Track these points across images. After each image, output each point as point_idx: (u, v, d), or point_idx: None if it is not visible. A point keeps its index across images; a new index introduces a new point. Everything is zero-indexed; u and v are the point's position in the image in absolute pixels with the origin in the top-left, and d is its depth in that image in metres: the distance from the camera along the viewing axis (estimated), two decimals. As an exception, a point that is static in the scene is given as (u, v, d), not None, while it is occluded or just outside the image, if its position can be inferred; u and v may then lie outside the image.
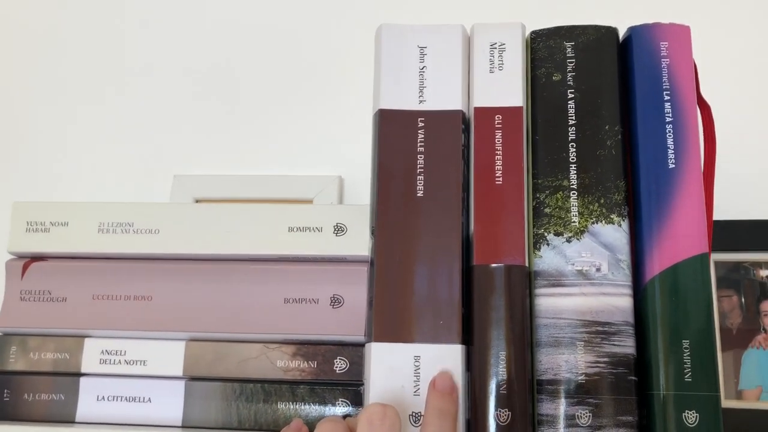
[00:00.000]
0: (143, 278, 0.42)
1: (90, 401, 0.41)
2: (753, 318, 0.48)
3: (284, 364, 0.40)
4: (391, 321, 0.38)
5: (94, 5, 0.72)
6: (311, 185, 0.60)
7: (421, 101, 0.41)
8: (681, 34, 0.41)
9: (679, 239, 0.38)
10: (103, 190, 0.64)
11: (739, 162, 0.55)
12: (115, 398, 0.41)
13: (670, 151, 0.39)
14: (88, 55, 0.70)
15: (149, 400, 0.41)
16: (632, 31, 0.41)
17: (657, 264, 0.38)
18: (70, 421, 0.41)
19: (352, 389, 0.40)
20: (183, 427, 0.40)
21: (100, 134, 0.68)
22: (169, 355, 0.41)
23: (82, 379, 0.41)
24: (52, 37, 0.71)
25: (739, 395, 0.47)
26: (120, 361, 0.41)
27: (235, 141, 0.66)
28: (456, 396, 0.36)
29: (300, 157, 0.65)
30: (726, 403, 0.46)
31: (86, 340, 0.42)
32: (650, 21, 0.41)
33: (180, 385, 0.41)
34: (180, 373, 0.41)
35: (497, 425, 0.36)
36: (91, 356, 0.42)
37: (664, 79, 0.40)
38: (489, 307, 0.38)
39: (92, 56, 0.70)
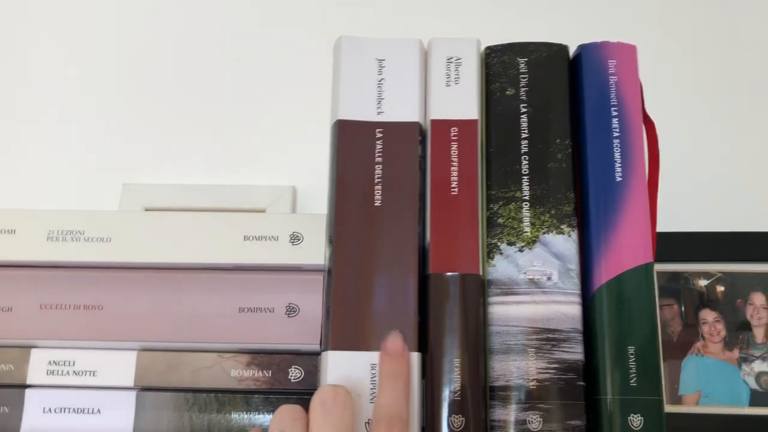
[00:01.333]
0: (93, 287, 0.41)
1: (36, 413, 0.40)
2: (692, 326, 0.50)
3: (238, 374, 0.40)
4: (348, 330, 0.38)
5: (45, 13, 0.70)
6: (264, 195, 0.60)
7: (379, 112, 0.41)
8: (628, 52, 0.43)
9: (625, 249, 0.39)
10: (50, 199, 0.63)
11: (680, 176, 0.57)
12: (63, 410, 0.40)
13: (617, 165, 0.41)
14: (37, 63, 0.68)
15: (98, 411, 0.40)
16: (582, 48, 0.43)
17: (604, 273, 0.39)
18: (15, 434, 0.39)
19: (306, 398, 0.40)
20: (134, 437, 0.39)
21: (48, 142, 0.66)
22: (119, 366, 0.40)
23: (28, 391, 0.40)
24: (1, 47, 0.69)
25: (679, 400, 0.49)
26: (68, 372, 0.40)
27: (186, 150, 0.66)
28: (407, 356, 0.37)
29: (253, 167, 0.65)
30: (667, 408, 0.48)
31: (33, 350, 0.41)
32: (599, 40, 0.43)
33: (131, 396, 0.40)
34: (131, 383, 0.40)
35: (452, 431, 0.37)
36: (37, 367, 0.40)
37: (612, 95, 0.42)
38: (444, 315, 0.38)
39: (41, 65, 0.68)
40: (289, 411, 0.35)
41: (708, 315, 0.50)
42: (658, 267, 0.51)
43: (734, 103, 0.64)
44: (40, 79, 0.68)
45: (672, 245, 0.50)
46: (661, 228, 0.50)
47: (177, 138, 0.66)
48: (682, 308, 0.50)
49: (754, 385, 0.49)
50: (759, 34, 0.68)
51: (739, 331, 0.50)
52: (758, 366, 0.49)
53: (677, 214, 0.54)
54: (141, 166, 0.64)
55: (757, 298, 0.50)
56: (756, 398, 0.48)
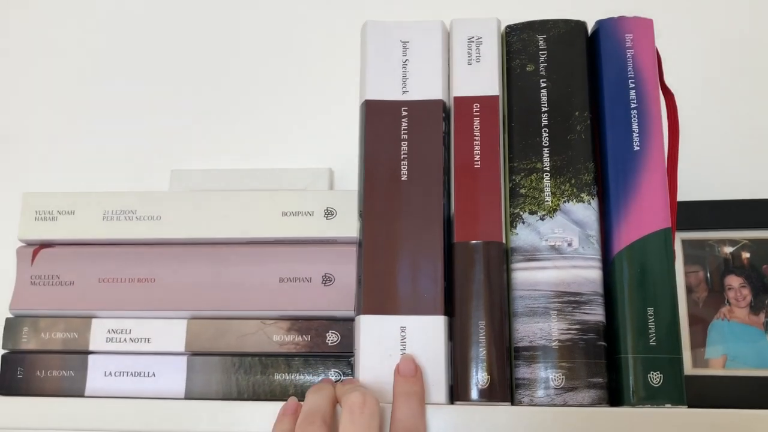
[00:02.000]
0: (146, 262, 0.45)
1: (98, 377, 0.43)
2: (718, 292, 0.51)
3: (280, 339, 0.43)
4: (378, 295, 0.41)
5: (99, 7, 0.74)
6: (302, 177, 0.63)
7: (404, 92, 0.44)
8: (644, 26, 0.44)
9: (644, 215, 0.41)
10: (105, 185, 0.67)
11: (704, 146, 0.58)
12: (122, 374, 0.43)
13: (635, 135, 0.42)
14: (90, 56, 0.73)
15: (153, 374, 0.43)
16: (600, 24, 0.44)
17: (624, 238, 0.41)
18: (80, 395, 0.43)
19: (343, 360, 0.43)
20: (186, 398, 0.43)
21: (103, 133, 0.71)
22: (171, 333, 0.44)
23: (90, 357, 0.44)
24: (51, 38, 0.73)
25: (705, 363, 0.50)
26: (125, 339, 0.44)
27: (230, 137, 0.69)
28: (420, 376, 0.39)
29: (292, 151, 0.68)
30: (694, 371, 0.50)
31: (93, 320, 0.45)
32: (616, 15, 0.44)
33: (182, 361, 0.43)
34: (182, 349, 0.43)
35: (478, 390, 0.39)
36: (98, 335, 0.44)
37: (629, 68, 0.43)
38: (469, 280, 0.41)
39: (92, 58, 0.73)
40: (316, 398, 0.37)
41: (734, 281, 0.51)
42: (684, 235, 0.52)
43: (758, 72, 0.64)
44: (94, 73, 0.72)
45: (697, 213, 0.51)
46: (686, 197, 0.51)
47: (221, 127, 0.69)
48: (708, 275, 0.51)
49: (780, 348, 0.50)
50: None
51: (764, 295, 0.50)
52: (784, 330, 0.50)
53: (702, 183, 0.55)
54: (188, 153, 0.68)
55: (783, 264, 0.51)
56: (782, 361, 0.49)
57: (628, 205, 0.41)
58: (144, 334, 0.44)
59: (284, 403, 0.38)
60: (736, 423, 0.38)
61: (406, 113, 0.43)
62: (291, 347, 0.43)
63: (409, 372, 0.38)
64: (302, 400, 0.38)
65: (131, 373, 0.43)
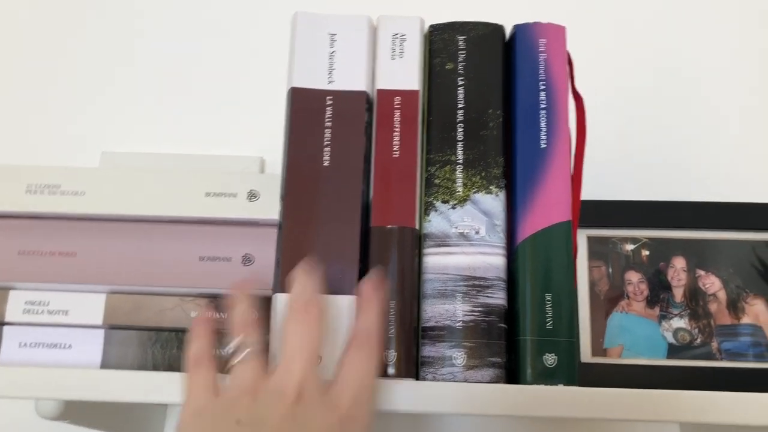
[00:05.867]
0: (68, 236, 0.45)
1: (12, 347, 0.44)
2: (618, 286, 0.54)
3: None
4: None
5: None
6: (234, 165, 0.64)
7: (330, 81, 0.46)
8: (557, 32, 0.47)
9: (547, 208, 0.44)
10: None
11: (612, 149, 0.62)
12: (37, 345, 0.44)
13: (543, 133, 0.45)
14: (25, 36, 0.72)
15: (69, 346, 0.44)
16: (516, 28, 0.47)
17: (527, 229, 0.44)
18: (-7, 364, 0.43)
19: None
20: (101, 368, 0.43)
21: (34, 114, 0.70)
22: (90, 306, 0.44)
23: (6, 328, 0.44)
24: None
25: (603, 352, 0.53)
26: (43, 311, 0.44)
27: (163, 122, 0.70)
28: (382, 293, 0.41)
29: (225, 140, 0.69)
30: (592, 359, 0.53)
31: (11, 292, 0.45)
32: (532, 21, 0.47)
33: (100, 333, 0.44)
34: (100, 322, 0.44)
35: (386, 365, 0.41)
36: (14, 307, 0.44)
37: (541, 71, 0.46)
38: (383, 263, 0.43)
39: (31, 38, 0.72)
40: (244, 317, 0.40)
41: (633, 276, 0.54)
42: (590, 232, 0.55)
43: (665, 80, 0.69)
44: (27, 53, 0.71)
45: (602, 212, 0.55)
46: (592, 196, 0.54)
47: (154, 111, 0.70)
48: (610, 270, 0.55)
49: (671, 339, 0.53)
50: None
51: (660, 291, 0.54)
52: (676, 323, 0.54)
53: (608, 184, 0.59)
54: (119, 136, 0.69)
55: (678, 262, 0.55)
56: (672, 351, 0.53)
57: (533, 198, 0.44)
58: (62, 307, 0.44)
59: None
60: (623, 402, 0.41)
61: (331, 102, 0.45)
62: (208, 323, 0.44)
63: (375, 283, 0.41)
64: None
65: (47, 345, 0.44)
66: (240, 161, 0.64)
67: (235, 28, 0.72)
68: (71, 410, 0.46)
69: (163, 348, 0.44)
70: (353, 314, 0.41)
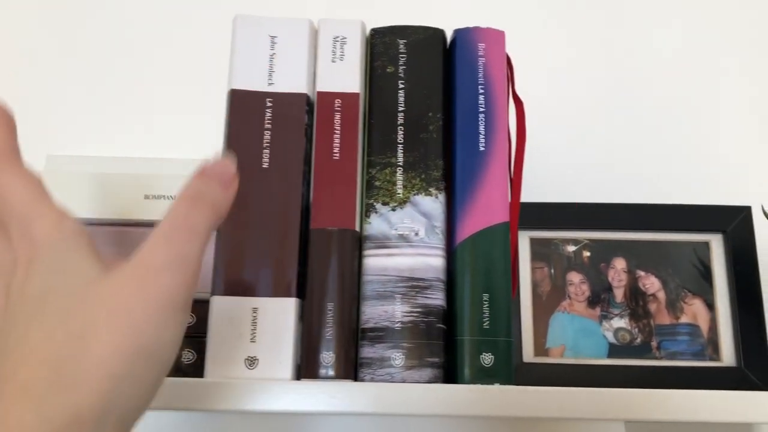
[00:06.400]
0: (2, 239, 0.45)
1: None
2: (560, 286, 0.55)
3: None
4: (232, 278, 0.42)
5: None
6: (175, 167, 0.63)
7: (270, 83, 0.46)
8: (497, 37, 0.48)
9: (485, 210, 0.44)
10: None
11: (553, 152, 0.63)
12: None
13: (481, 136, 0.46)
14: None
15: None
16: (457, 33, 0.48)
17: (466, 230, 0.44)
18: None
19: (197, 340, 0.44)
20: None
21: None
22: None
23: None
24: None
25: (546, 352, 0.54)
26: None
27: (108, 125, 0.69)
28: (231, 191, 0.34)
29: (171, 142, 0.68)
30: (534, 359, 0.54)
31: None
32: (472, 25, 0.48)
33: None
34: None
35: (324, 367, 0.41)
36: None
37: (480, 75, 0.47)
38: (323, 265, 0.43)
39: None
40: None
41: (574, 277, 0.55)
42: (532, 234, 0.56)
43: (613, 83, 0.71)
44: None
45: (544, 214, 0.56)
46: (535, 198, 0.55)
47: (101, 114, 0.69)
48: (552, 271, 0.56)
49: (612, 339, 0.54)
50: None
51: (601, 291, 0.55)
52: (616, 323, 0.55)
53: (550, 187, 0.60)
54: (65, 138, 0.68)
55: (618, 263, 0.56)
56: (613, 351, 0.54)
57: (472, 199, 0.44)
58: None
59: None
60: (560, 399, 0.41)
61: (271, 104, 0.45)
62: (146, 327, 0.44)
63: (216, 175, 0.33)
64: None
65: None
66: (185, 164, 0.63)
67: (177, 31, 0.71)
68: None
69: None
70: (295, 316, 0.41)
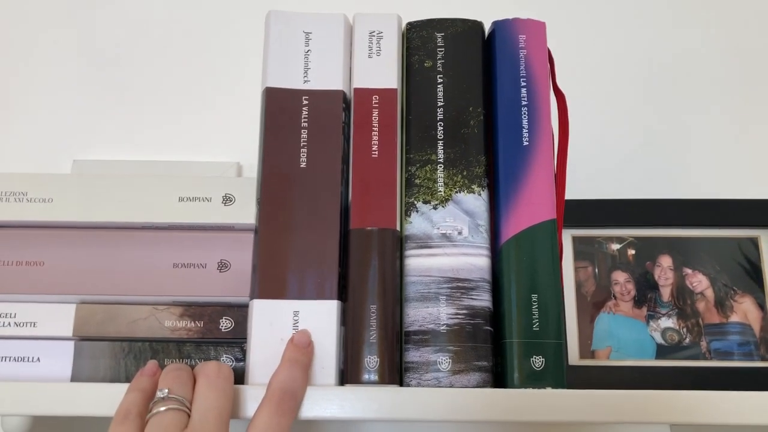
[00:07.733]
0: (35, 245, 0.44)
1: (-23, 362, 0.42)
2: (605, 286, 0.53)
3: (172, 324, 0.43)
4: (272, 280, 0.41)
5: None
6: (210, 171, 0.62)
7: (305, 81, 0.44)
8: (537, 28, 0.46)
9: (531, 207, 0.43)
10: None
11: (598, 149, 0.61)
12: (4, 358, 0.42)
13: (525, 131, 0.44)
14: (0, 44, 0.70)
15: (38, 359, 0.42)
16: (496, 25, 0.46)
17: (511, 228, 0.42)
18: (-43, 381, 0.41)
19: (236, 345, 0.43)
20: (72, 381, 0.41)
21: (3, 122, 0.68)
22: (59, 317, 0.42)
23: (-30, 342, 0.42)
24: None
25: (591, 354, 0.52)
26: (9, 324, 0.42)
27: (137, 129, 0.68)
28: (311, 350, 0.40)
29: (201, 145, 0.67)
30: (580, 361, 0.52)
31: (-25, 304, 0.43)
32: (511, 16, 0.46)
33: (69, 345, 0.42)
34: (70, 333, 0.42)
35: (368, 372, 0.40)
36: (-21, 320, 0.43)
37: (521, 67, 0.45)
38: (363, 266, 0.41)
39: (3, 47, 0.70)
40: (176, 373, 0.38)
41: (619, 276, 0.54)
42: (575, 232, 0.54)
43: (651, 79, 0.69)
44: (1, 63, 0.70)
45: (587, 212, 0.54)
46: (578, 195, 0.54)
47: (128, 117, 0.68)
48: (596, 270, 0.54)
49: (659, 339, 0.52)
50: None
51: (647, 290, 0.53)
52: (664, 322, 0.53)
53: (594, 183, 0.58)
54: (92, 143, 0.67)
55: (665, 261, 0.54)
56: (661, 351, 0.52)
57: (516, 197, 0.43)
58: (29, 318, 0.43)
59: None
60: (612, 403, 0.40)
61: (307, 102, 0.44)
62: (183, 333, 0.43)
63: (302, 343, 0.39)
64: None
65: (14, 358, 0.42)
66: (216, 167, 0.62)
67: (208, 30, 0.70)
68: (39, 426, 0.45)
69: (136, 359, 0.42)
70: (337, 319, 0.40)
